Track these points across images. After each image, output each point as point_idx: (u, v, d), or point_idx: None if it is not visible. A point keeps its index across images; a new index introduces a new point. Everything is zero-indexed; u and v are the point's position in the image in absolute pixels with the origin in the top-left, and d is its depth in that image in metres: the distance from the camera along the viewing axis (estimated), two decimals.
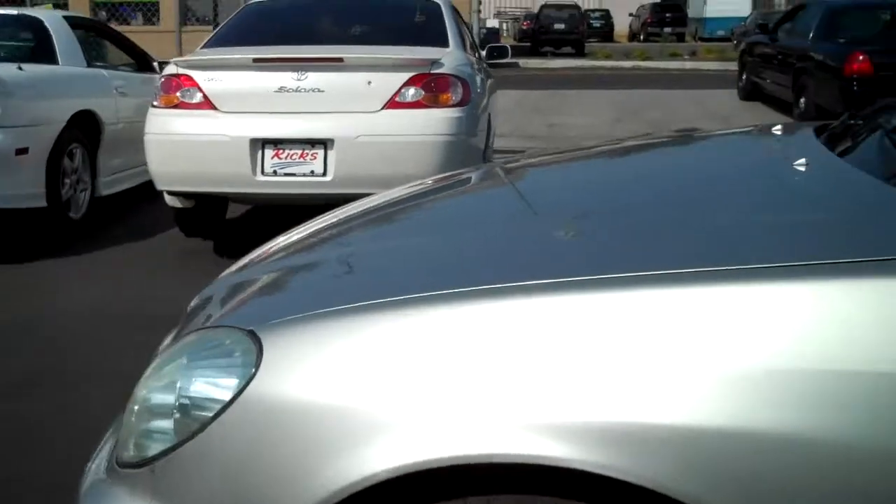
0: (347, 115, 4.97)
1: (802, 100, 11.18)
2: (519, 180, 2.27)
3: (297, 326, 1.44)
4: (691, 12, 38.98)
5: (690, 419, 1.21)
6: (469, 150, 5.11)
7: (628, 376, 1.24)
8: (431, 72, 5.03)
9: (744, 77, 14.34)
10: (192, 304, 1.94)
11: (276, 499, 1.34)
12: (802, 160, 1.83)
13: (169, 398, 1.48)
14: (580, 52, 27.71)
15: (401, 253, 1.72)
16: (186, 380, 1.48)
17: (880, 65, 10.13)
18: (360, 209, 2.24)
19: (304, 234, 2.11)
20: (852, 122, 2.22)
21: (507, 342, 1.30)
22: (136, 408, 1.53)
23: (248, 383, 1.39)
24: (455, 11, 6.46)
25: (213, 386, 1.44)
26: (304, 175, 4.94)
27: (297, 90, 5.00)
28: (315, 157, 4.92)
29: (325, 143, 4.93)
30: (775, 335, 1.23)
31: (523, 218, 1.82)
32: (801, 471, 1.20)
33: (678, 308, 1.24)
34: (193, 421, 1.43)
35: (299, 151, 4.92)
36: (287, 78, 5.00)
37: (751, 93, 13.95)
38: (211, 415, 1.41)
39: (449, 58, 5.30)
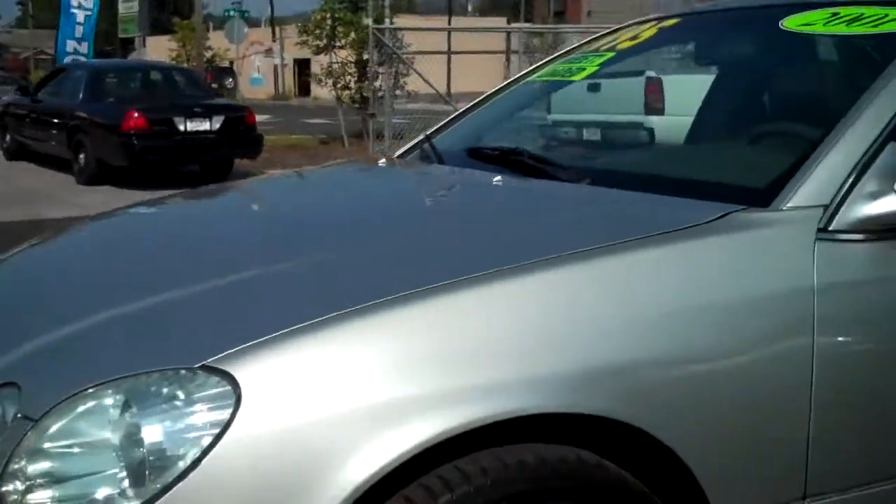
0: None
1: (82, 156, 11.79)
2: None
3: (266, 353, 1.51)
4: None
5: (613, 359, 1.65)
6: None
7: (568, 335, 1.64)
8: None
9: (8, 137, 14.40)
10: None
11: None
12: (497, 178, 2.30)
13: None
14: None
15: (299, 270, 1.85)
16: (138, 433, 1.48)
17: (153, 119, 11.29)
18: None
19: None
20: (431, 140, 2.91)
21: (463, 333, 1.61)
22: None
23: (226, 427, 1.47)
24: None
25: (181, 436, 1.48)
26: None
27: None
28: None
29: None
30: (636, 292, 1.71)
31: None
32: (697, 385, 1.70)
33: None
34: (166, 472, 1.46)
35: None
36: None
37: (17, 152, 14.10)
38: (194, 458, 1.46)
39: None
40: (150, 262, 2.18)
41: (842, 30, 2.33)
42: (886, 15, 2.28)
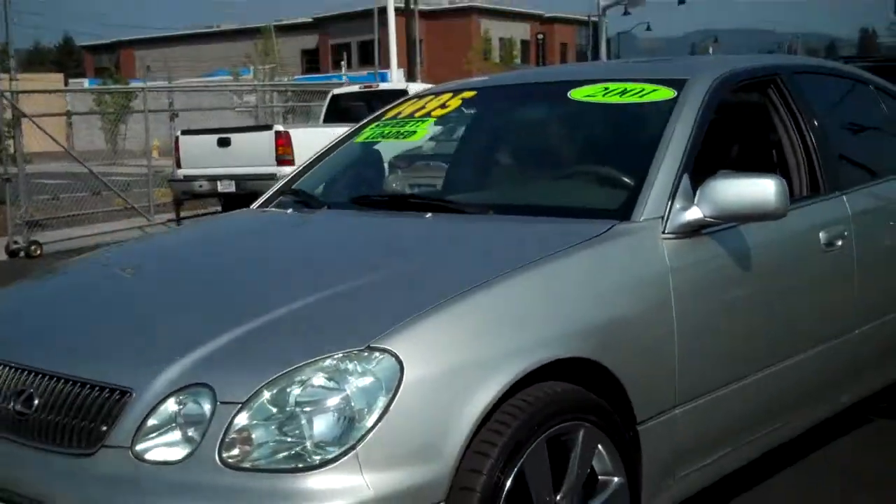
0: None
1: None
2: None
3: (416, 328, 2.21)
4: None
5: (585, 324, 2.53)
6: None
7: (559, 310, 2.50)
8: None
9: None
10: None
11: (447, 428, 2.16)
12: (428, 215, 3.13)
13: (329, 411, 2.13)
14: None
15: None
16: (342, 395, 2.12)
17: None
18: None
19: None
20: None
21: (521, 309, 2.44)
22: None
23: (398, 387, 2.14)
24: None
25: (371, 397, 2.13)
26: None
27: None
28: None
29: None
30: (584, 281, 2.62)
31: None
32: (621, 335, 2.59)
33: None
34: (362, 422, 2.10)
35: None
36: None
37: None
38: (378, 414, 2.11)
39: None
40: (274, 273, 2.84)
41: (617, 99, 3.41)
42: (643, 89, 3.39)
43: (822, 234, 3.45)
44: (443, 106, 3.81)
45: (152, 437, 2.21)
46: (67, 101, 22.90)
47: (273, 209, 3.68)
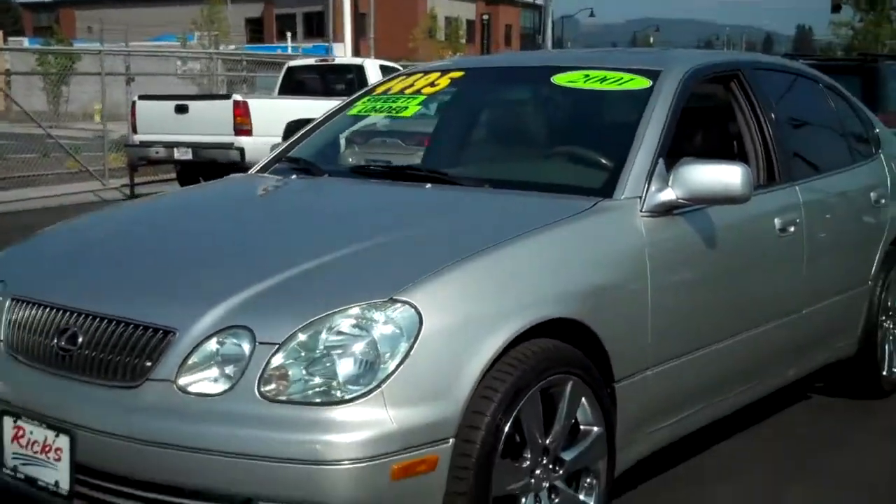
0: None
1: None
2: None
3: (433, 283, 2.49)
4: None
5: (574, 287, 2.82)
6: None
7: (555, 273, 2.81)
8: None
9: None
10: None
11: (458, 374, 2.45)
12: (427, 185, 3.39)
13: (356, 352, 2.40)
14: None
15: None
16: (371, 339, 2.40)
17: None
18: None
19: None
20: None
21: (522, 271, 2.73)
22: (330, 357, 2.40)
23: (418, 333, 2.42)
24: None
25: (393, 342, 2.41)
26: None
27: None
28: None
29: None
30: (574, 248, 2.92)
31: None
32: (605, 299, 2.89)
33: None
34: (385, 364, 2.38)
35: None
36: None
37: None
38: (400, 358, 2.39)
39: None
40: (300, 230, 3.11)
41: (597, 86, 3.71)
42: (621, 78, 3.69)
43: (777, 220, 3.79)
44: (432, 84, 4.06)
45: (195, 373, 2.46)
46: (7, 59, 22.62)
47: (274, 175, 3.91)
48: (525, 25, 72.69)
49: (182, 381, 2.46)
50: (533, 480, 2.70)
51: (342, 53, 23.06)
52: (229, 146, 12.12)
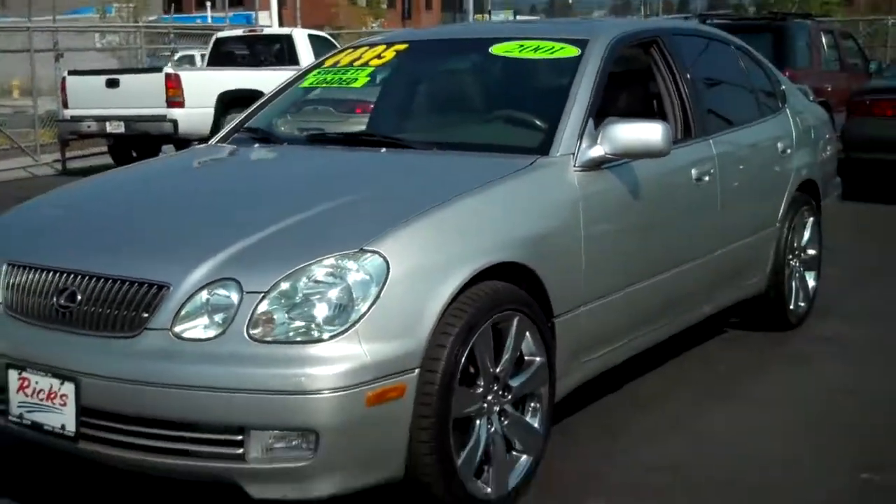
0: None
1: None
2: None
3: (397, 234, 2.84)
4: None
5: (520, 234, 3.21)
6: None
7: (503, 223, 3.19)
8: None
9: None
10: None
11: (421, 313, 2.80)
12: (382, 150, 3.74)
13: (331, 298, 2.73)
14: None
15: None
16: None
17: None
18: None
19: None
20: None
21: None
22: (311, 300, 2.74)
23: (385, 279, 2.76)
24: None
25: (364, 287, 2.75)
26: None
27: None
28: None
29: None
30: (518, 200, 3.31)
31: None
32: (546, 245, 3.29)
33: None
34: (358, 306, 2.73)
35: None
36: None
37: None
38: (371, 301, 2.73)
39: None
40: (273, 193, 3.45)
41: (531, 55, 4.08)
42: (553, 47, 4.07)
43: (693, 171, 4.21)
44: (378, 56, 4.39)
45: (189, 321, 2.78)
46: None
47: (234, 145, 4.22)
48: None
49: (177, 328, 2.78)
50: (485, 405, 3.08)
51: (266, 22, 23.06)
52: (162, 118, 12.27)
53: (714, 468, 3.52)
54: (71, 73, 13.23)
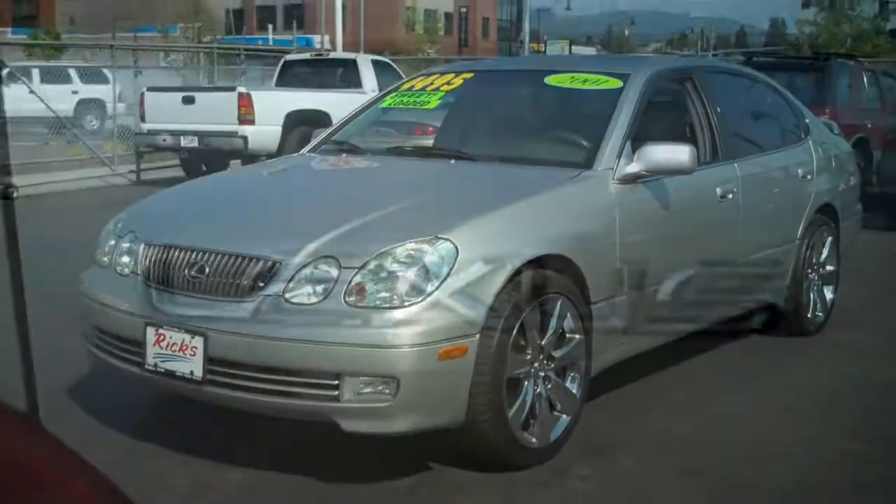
0: None
1: None
2: None
3: (465, 226, 3.55)
4: None
5: (564, 232, 3.92)
6: None
7: (550, 221, 3.94)
8: None
9: None
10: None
11: (482, 290, 3.44)
12: (452, 161, 4.56)
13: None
14: None
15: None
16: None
17: None
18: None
19: None
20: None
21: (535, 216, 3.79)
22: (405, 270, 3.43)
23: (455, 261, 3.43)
24: None
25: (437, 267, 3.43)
26: None
27: None
28: None
29: None
30: (565, 204, 4.07)
31: None
32: (586, 242, 4.00)
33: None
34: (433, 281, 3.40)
35: None
36: None
37: None
38: (443, 278, 3.40)
39: None
40: (362, 191, 4.22)
41: (580, 85, 4.79)
42: (599, 79, 4.77)
43: (718, 189, 4.87)
44: (448, 83, 5.14)
45: (297, 289, 3.49)
46: None
47: (324, 155, 4.96)
48: (502, 18, 73.81)
49: (288, 295, 3.49)
50: (532, 370, 3.76)
51: (321, 45, 24.02)
52: (233, 134, 13.11)
53: (732, 440, 4.16)
54: (149, 89, 14.14)
